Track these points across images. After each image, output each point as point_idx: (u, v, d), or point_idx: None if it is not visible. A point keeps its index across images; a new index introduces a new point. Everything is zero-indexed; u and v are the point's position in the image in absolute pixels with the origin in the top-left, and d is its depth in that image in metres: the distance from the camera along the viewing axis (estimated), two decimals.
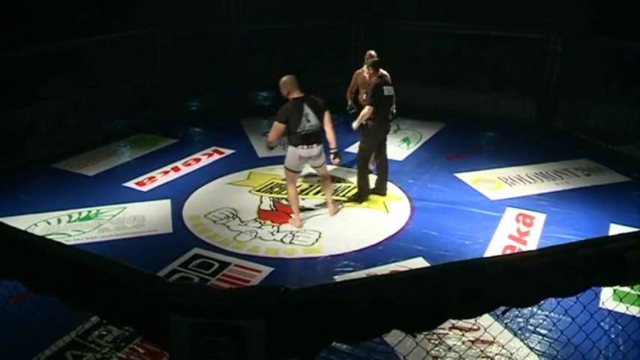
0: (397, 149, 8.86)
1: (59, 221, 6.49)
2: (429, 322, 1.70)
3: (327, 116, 6.14)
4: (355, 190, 7.15)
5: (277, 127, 6.04)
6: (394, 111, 7.03)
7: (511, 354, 4.18)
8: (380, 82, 6.70)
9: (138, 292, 1.62)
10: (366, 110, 6.65)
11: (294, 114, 5.96)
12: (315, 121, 6.02)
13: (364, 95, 7.05)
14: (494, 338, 4.11)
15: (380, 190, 7.16)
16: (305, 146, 6.05)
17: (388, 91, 6.76)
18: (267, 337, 1.52)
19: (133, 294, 1.63)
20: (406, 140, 9.27)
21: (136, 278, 1.65)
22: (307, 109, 5.98)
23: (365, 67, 6.96)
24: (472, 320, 3.71)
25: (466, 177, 7.78)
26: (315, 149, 6.12)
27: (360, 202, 6.97)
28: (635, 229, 2.06)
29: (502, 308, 1.88)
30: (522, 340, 4.43)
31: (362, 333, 1.67)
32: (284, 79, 6.09)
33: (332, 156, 6.36)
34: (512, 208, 6.82)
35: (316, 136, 6.12)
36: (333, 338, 1.65)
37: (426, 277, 1.78)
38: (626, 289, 4.69)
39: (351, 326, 1.64)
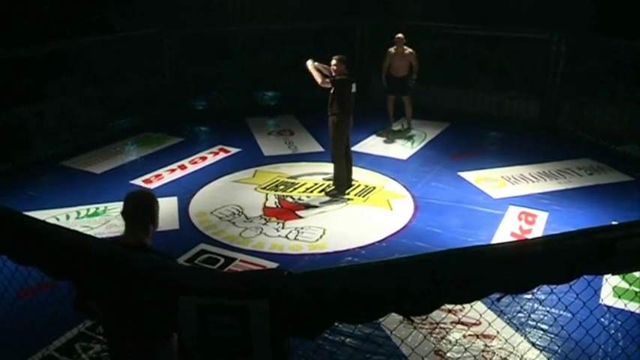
0: (401, 148, 8.95)
1: (68, 217, 6.59)
2: (426, 306, 1.78)
3: None
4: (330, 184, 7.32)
5: None
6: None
7: (513, 347, 4.24)
8: (347, 79, 6.84)
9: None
10: (322, 80, 6.87)
11: None
12: None
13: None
14: (497, 332, 4.18)
15: (349, 182, 7.34)
16: None
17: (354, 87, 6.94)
18: (271, 317, 1.60)
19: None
20: (410, 139, 9.33)
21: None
22: None
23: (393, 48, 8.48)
24: (475, 315, 3.81)
25: (469, 176, 7.83)
26: None
27: (343, 194, 7.14)
28: None
29: (497, 295, 1.95)
30: (524, 335, 4.49)
31: (361, 315, 1.74)
32: None
33: None
34: (515, 206, 6.87)
35: None
36: (334, 320, 1.73)
37: (423, 262, 1.86)
38: (625, 285, 4.76)
39: (351, 309, 1.71)
